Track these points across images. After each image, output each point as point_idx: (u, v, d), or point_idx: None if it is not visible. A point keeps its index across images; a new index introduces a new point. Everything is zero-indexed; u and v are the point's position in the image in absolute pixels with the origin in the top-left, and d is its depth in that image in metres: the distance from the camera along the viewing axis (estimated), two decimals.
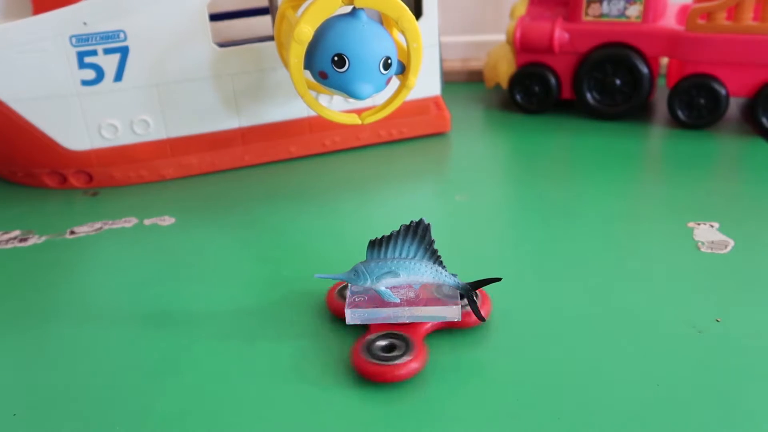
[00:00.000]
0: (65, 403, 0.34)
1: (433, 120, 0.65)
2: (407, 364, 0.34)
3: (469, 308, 0.37)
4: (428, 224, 0.36)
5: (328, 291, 0.40)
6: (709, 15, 0.61)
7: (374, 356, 0.35)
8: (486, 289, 0.37)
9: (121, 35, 0.53)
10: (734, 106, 0.69)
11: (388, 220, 0.47)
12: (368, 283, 0.37)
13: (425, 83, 0.63)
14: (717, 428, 0.31)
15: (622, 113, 0.66)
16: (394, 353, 0.35)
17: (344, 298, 0.39)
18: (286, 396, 0.34)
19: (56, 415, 0.34)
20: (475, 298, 0.37)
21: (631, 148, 0.61)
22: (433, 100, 0.65)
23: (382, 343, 0.36)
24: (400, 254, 0.37)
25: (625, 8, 0.64)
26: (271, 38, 0.58)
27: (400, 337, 0.36)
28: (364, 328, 0.38)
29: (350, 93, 0.46)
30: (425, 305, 0.37)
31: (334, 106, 0.60)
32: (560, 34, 0.66)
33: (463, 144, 0.64)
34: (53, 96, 0.54)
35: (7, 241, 0.50)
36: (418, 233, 0.36)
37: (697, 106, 0.63)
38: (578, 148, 0.62)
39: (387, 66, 0.46)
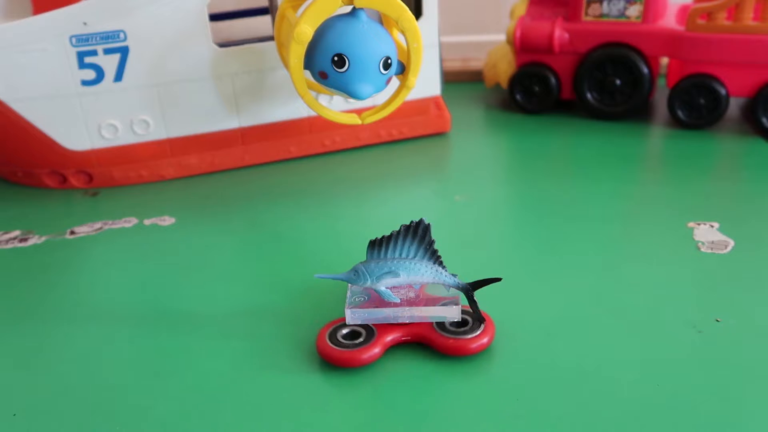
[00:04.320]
0: (65, 403, 0.34)
1: (433, 120, 0.65)
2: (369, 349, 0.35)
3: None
4: (428, 224, 0.36)
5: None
6: (709, 15, 0.61)
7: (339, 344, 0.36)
8: (485, 288, 0.37)
9: (121, 35, 0.53)
10: (734, 106, 0.69)
11: (388, 220, 0.47)
12: (368, 284, 0.37)
13: (425, 83, 0.63)
14: (717, 428, 0.31)
15: (622, 113, 0.66)
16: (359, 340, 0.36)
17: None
18: (286, 396, 0.34)
19: (56, 415, 0.34)
20: (475, 299, 0.37)
21: (631, 148, 0.61)
22: (433, 100, 0.65)
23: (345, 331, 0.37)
24: (400, 254, 0.37)
25: (625, 8, 0.64)
26: (271, 38, 0.58)
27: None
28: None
29: (350, 93, 0.46)
30: (425, 305, 0.37)
31: (334, 106, 0.60)
32: (560, 34, 0.66)
33: (463, 144, 0.64)
34: (53, 96, 0.54)
35: (7, 241, 0.50)
36: (418, 233, 0.36)
37: (697, 106, 0.63)
38: (578, 148, 0.62)
39: (387, 66, 0.46)
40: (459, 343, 0.36)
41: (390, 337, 0.36)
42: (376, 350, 0.36)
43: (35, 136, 0.55)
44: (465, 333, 0.36)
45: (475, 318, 0.37)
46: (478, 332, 0.36)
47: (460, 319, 0.37)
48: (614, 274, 0.43)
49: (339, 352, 0.35)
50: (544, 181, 0.56)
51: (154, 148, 0.58)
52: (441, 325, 0.37)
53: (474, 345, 0.36)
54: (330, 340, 0.36)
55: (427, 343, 0.37)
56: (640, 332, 0.37)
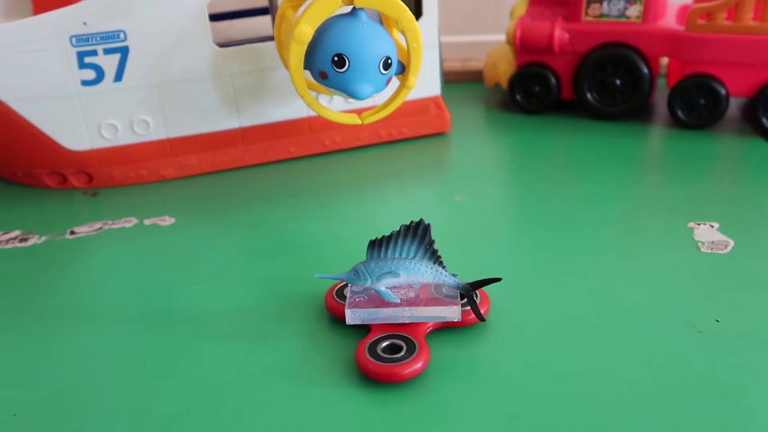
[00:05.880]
0: (65, 403, 0.34)
1: (433, 120, 0.65)
2: (411, 363, 0.34)
3: (468, 307, 0.37)
4: (428, 224, 0.36)
5: (326, 292, 0.40)
6: (709, 15, 0.61)
7: (379, 357, 0.35)
8: (486, 289, 0.37)
9: (121, 35, 0.53)
10: (734, 106, 0.69)
11: (388, 220, 0.47)
12: (368, 284, 0.37)
13: (425, 83, 0.63)
14: (717, 428, 0.31)
15: (622, 113, 0.66)
16: (400, 354, 0.35)
17: (342, 298, 0.39)
18: (286, 396, 0.34)
19: (56, 415, 0.34)
20: (475, 297, 0.37)
21: (631, 148, 0.61)
22: (433, 100, 0.65)
23: (386, 343, 0.36)
24: (400, 254, 0.37)
25: (625, 8, 0.64)
26: (271, 38, 0.58)
27: (402, 338, 0.36)
28: (364, 329, 0.38)
29: (350, 93, 0.46)
30: (425, 305, 0.37)
31: (334, 106, 0.60)
32: (560, 34, 0.66)
33: (463, 144, 0.64)
34: (53, 96, 0.54)
35: (7, 241, 0.50)
36: (418, 233, 0.36)
37: (697, 106, 0.63)
38: (578, 148, 0.62)
39: (387, 66, 0.46)
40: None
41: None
42: (419, 365, 0.34)
43: (35, 136, 0.55)
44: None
45: (476, 317, 0.37)
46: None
47: (460, 319, 0.37)
48: (614, 274, 0.43)
49: (379, 366, 0.34)
50: (543, 181, 0.56)
51: (154, 148, 0.58)
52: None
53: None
54: (369, 353, 0.35)
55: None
56: (640, 332, 0.37)
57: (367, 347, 0.35)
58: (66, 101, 0.55)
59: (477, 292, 0.37)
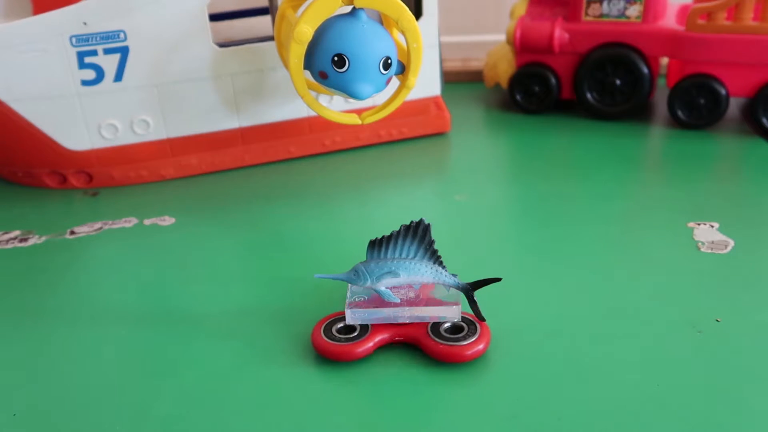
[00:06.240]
0: (65, 403, 0.34)
1: (433, 120, 0.65)
2: (364, 342, 0.36)
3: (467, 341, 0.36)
4: (428, 224, 0.36)
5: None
6: (709, 15, 0.61)
7: (333, 337, 0.37)
8: (485, 289, 0.37)
9: (121, 35, 0.53)
10: (734, 106, 0.69)
11: (388, 220, 0.47)
12: (368, 284, 0.37)
13: (425, 83, 0.63)
14: (717, 429, 0.31)
15: (622, 113, 0.66)
16: (354, 334, 0.37)
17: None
18: (286, 396, 0.34)
19: (56, 415, 0.34)
20: (475, 299, 0.37)
21: (631, 148, 0.61)
22: (433, 100, 0.65)
23: (340, 324, 0.37)
24: (400, 254, 0.37)
25: (625, 8, 0.64)
26: (271, 38, 0.58)
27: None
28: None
29: (350, 93, 0.46)
30: (425, 305, 0.37)
31: (334, 106, 0.60)
32: (560, 34, 0.66)
33: (463, 144, 0.64)
34: (53, 96, 0.54)
35: (7, 241, 0.50)
36: (418, 233, 0.36)
37: (697, 106, 0.63)
38: (578, 148, 0.62)
39: (387, 66, 0.46)
40: (453, 350, 0.35)
41: (384, 335, 0.37)
42: (370, 344, 0.36)
43: (35, 136, 0.55)
44: (459, 340, 0.36)
45: (476, 317, 0.37)
46: (474, 338, 0.36)
47: (460, 319, 0.37)
48: (614, 274, 0.43)
49: (334, 345, 0.36)
50: (544, 181, 0.56)
51: (154, 148, 0.58)
52: (435, 330, 0.36)
53: (469, 352, 0.35)
54: (325, 334, 0.37)
55: (421, 347, 0.37)
56: (640, 332, 0.37)
57: (322, 328, 0.37)
58: (66, 101, 0.55)
59: (479, 326, 0.37)
